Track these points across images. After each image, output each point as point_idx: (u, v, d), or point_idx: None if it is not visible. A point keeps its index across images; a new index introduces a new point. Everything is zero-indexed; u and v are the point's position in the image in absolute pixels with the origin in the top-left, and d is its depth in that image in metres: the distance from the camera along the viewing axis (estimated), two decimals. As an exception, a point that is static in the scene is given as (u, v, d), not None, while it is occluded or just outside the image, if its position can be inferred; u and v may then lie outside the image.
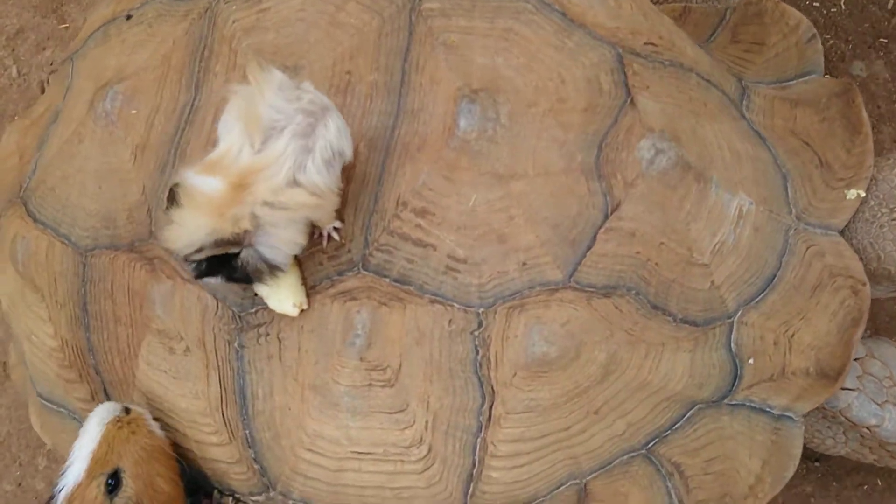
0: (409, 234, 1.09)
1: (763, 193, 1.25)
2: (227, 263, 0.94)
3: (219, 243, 0.91)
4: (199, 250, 0.92)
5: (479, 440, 1.12)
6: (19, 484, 1.94)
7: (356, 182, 1.10)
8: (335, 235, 1.09)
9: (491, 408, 1.10)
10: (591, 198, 1.10)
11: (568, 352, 1.08)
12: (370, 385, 1.10)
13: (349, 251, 1.11)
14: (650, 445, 1.25)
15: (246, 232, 0.92)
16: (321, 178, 0.97)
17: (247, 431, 1.17)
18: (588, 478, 1.23)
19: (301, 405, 1.13)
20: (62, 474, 1.14)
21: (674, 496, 1.30)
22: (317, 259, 1.10)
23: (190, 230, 0.92)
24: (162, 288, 1.15)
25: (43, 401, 1.44)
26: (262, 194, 0.93)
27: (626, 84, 1.16)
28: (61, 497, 1.11)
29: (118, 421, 1.15)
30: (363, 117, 1.12)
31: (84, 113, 1.26)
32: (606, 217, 1.10)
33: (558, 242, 1.09)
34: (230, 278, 0.97)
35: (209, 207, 0.91)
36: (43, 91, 2.17)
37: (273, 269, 0.96)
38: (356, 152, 1.09)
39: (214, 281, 0.97)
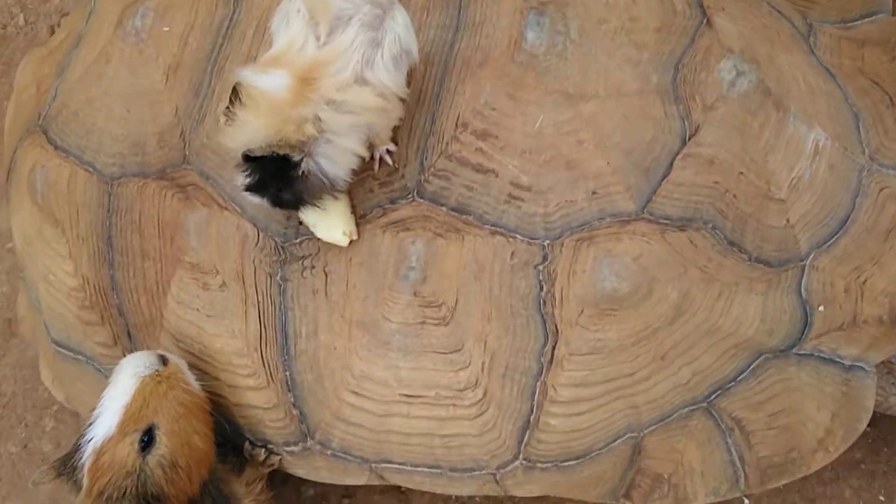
0: (468, 159, 1.00)
1: (837, 130, 1.17)
2: (280, 178, 0.86)
3: (280, 146, 0.83)
4: (256, 156, 0.83)
5: (538, 384, 1.04)
6: (25, 446, 1.86)
7: (411, 101, 1.01)
8: (388, 159, 1.00)
9: (554, 348, 1.02)
10: (667, 122, 1.01)
11: (640, 288, 1.00)
12: (423, 322, 1.02)
13: (403, 177, 1.02)
14: (712, 398, 1.17)
15: (308, 140, 0.83)
16: (389, 76, 0.88)
17: (287, 373, 1.09)
18: (646, 431, 1.15)
19: (348, 344, 1.05)
20: (90, 425, 1.05)
21: (734, 453, 1.22)
22: (367, 186, 1.02)
23: (250, 130, 0.83)
24: (197, 217, 1.06)
25: (58, 348, 1.35)
26: (328, 91, 0.84)
27: (701, 4, 1.08)
28: (90, 449, 1.03)
29: (156, 375, 1.05)
30: (420, 31, 1.02)
31: (111, 32, 1.16)
32: (684, 142, 1.01)
33: (631, 170, 1.00)
34: (277, 200, 0.88)
35: (272, 108, 0.83)
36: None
37: (332, 184, 0.88)
38: (412, 70, 1.00)
39: (259, 201, 0.89)
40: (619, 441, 1.14)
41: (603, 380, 1.05)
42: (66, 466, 1.05)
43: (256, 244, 1.05)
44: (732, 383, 1.17)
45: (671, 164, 1.01)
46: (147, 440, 1.03)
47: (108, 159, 1.15)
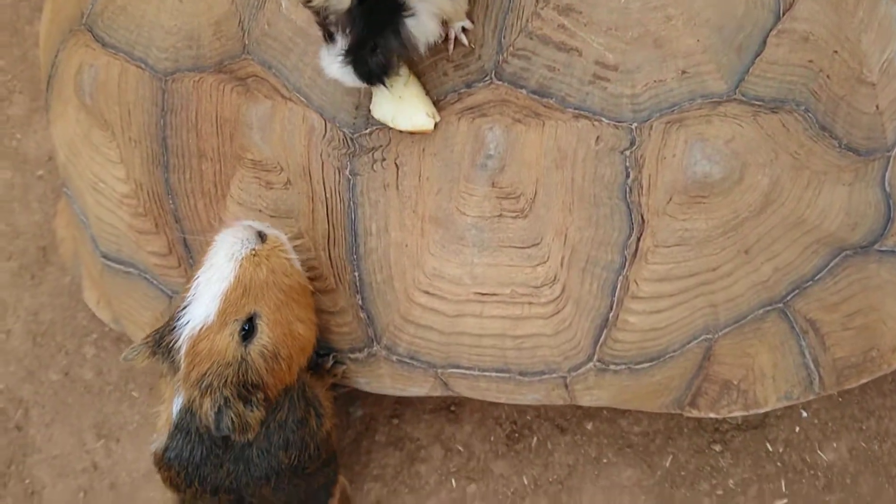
0: (550, 37, 0.94)
1: (927, 16, 1.10)
2: (381, 27, 0.80)
3: None
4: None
5: (620, 278, 1.00)
6: (66, 373, 1.85)
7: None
8: (462, 39, 0.94)
9: (639, 240, 0.97)
10: (760, -4, 0.95)
11: (732, 173, 0.95)
12: (500, 216, 0.97)
13: (479, 58, 0.96)
14: (788, 298, 1.13)
15: None
16: None
17: (356, 274, 1.05)
18: (720, 333, 1.12)
19: (420, 240, 1.01)
20: (184, 307, 0.97)
21: (808, 355, 1.19)
22: (440, 69, 0.96)
23: None
24: (259, 110, 1.01)
25: (107, 262, 1.32)
26: None
27: None
28: (185, 333, 0.96)
29: (255, 256, 0.96)
30: None
31: (158, -84, 1.10)
32: (778, 18, 0.95)
33: (722, 48, 0.94)
34: (368, 66, 0.82)
35: None
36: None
37: (414, 49, 0.82)
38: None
39: (344, 71, 0.83)
40: (693, 343, 1.11)
41: (686, 274, 1.01)
42: (160, 346, 1.00)
43: (324, 136, 1.00)
44: (810, 282, 1.13)
45: (764, 42, 0.95)
46: (248, 329, 0.97)
47: (160, 54, 1.09)
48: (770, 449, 1.49)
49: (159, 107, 1.10)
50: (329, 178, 1.02)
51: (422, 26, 0.82)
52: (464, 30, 0.94)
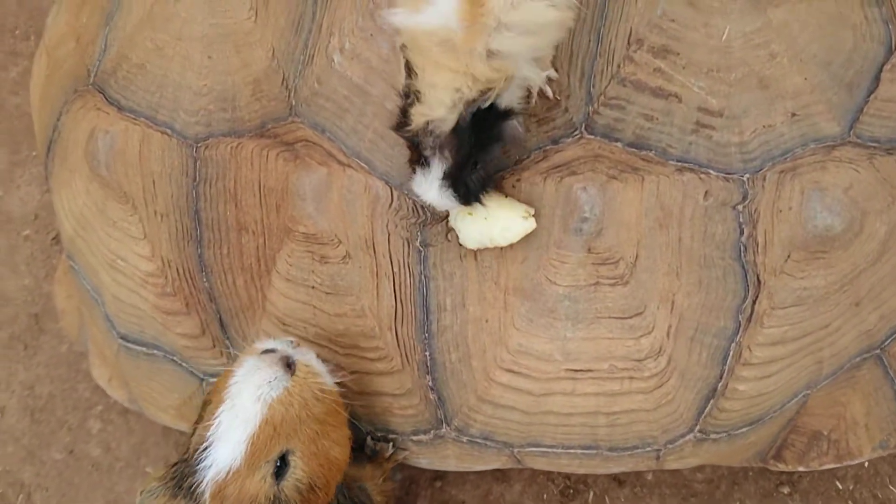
0: (645, 82, 0.84)
1: None
2: (482, 139, 0.72)
3: (480, 94, 0.69)
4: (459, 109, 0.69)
5: (732, 345, 0.90)
6: (71, 451, 1.71)
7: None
8: (547, 90, 0.84)
9: (754, 303, 0.87)
10: (868, 27, 0.86)
11: (853, 224, 0.85)
12: (597, 284, 0.87)
13: (566, 110, 0.85)
14: (886, 343, 1.04)
15: (503, 76, 0.68)
16: None
17: (426, 353, 0.93)
18: (819, 386, 1.03)
19: (503, 314, 0.89)
20: (204, 448, 0.86)
21: (903, 401, 1.11)
22: (523, 124, 0.85)
23: (441, 91, 0.69)
24: (313, 179, 0.89)
25: (126, 343, 1.18)
26: (500, 9, 0.68)
27: None
28: (210, 476, 0.85)
29: (286, 396, 0.85)
30: (572, -66, 0.86)
31: (178, -38, 0.97)
32: (890, 51, 0.86)
33: (832, 86, 0.85)
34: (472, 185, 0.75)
35: (449, 51, 0.69)
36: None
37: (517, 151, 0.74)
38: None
39: (446, 198, 0.76)
40: (794, 401, 1.01)
41: (801, 335, 0.91)
42: (181, 487, 0.88)
43: (390, 205, 0.88)
44: (908, 325, 1.04)
45: (877, 77, 0.86)
46: (280, 465, 0.86)
47: (189, 118, 0.97)
48: (840, 487, 1.41)
49: (190, 177, 0.97)
50: (396, 251, 0.90)
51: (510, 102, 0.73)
52: (548, 80, 0.83)
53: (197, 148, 0.96)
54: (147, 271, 1.06)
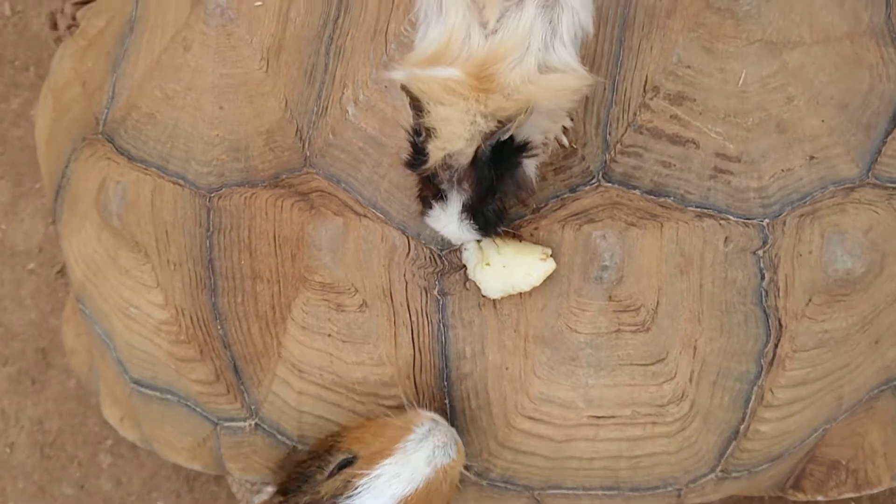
0: (662, 129, 0.84)
1: None
2: (504, 170, 0.70)
3: (498, 127, 0.67)
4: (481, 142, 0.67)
5: (755, 388, 0.89)
6: (82, 486, 1.70)
7: (584, 66, 0.84)
8: (563, 139, 0.83)
9: (776, 347, 0.87)
10: (885, 68, 0.86)
11: (874, 266, 0.85)
12: (619, 331, 0.86)
13: (583, 158, 0.85)
14: (904, 375, 1.04)
15: (525, 106, 0.67)
16: (571, 56, 0.72)
17: (446, 401, 0.93)
18: (839, 420, 1.02)
19: (524, 362, 0.89)
20: (349, 496, 0.84)
21: (922, 431, 1.10)
22: (538, 174, 0.85)
23: (457, 124, 0.66)
24: (329, 228, 0.88)
25: (140, 388, 1.17)
26: (515, 85, 0.68)
27: (897, -77, 0.92)
28: None
29: (448, 468, 0.84)
30: (585, -19, 0.85)
31: (187, 13, 0.96)
32: (908, 91, 0.86)
33: (849, 127, 0.85)
34: (479, 219, 0.74)
35: (461, 93, 0.67)
36: (55, 26, 1.84)
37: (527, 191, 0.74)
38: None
39: (465, 229, 0.74)
40: (814, 436, 1.01)
41: (822, 375, 0.91)
42: None
43: (407, 255, 0.88)
44: (925, 357, 1.04)
45: (894, 118, 0.86)
46: None
47: (201, 168, 0.96)
48: (857, 510, 1.41)
49: (204, 227, 0.96)
50: (414, 300, 0.89)
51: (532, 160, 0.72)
52: (563, 129, 0.83)
53: (210, 198, 0.96)
54: (160, 319, 1.05)
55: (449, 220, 0.75)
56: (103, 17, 1.16)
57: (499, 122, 0.68)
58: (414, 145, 0.73)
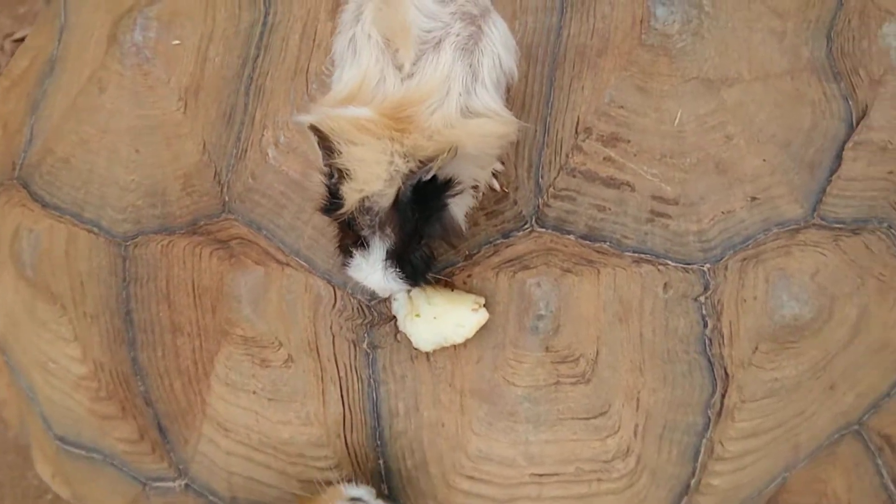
0: (596, 172, 0.80)
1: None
2: (428, 213, 0.67)
3: (419, 167, 0.63)
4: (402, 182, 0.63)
5: (704, 441, 0.84)
6: (22, 542, 1.60)
7: (514, 108, 0.79)
8: (493, 183, 0.79)
9: (723, 397, 0.82)
10: (828, 104, 0.83)
11: (822, 312, 0.81)
12: (558, 383, 0.81)
13: (515, 203, 0.81)
14: (864, 418, 1.00)
15: (446, 150, 0.63)
16: (494, 100, 0.69)
17: (380, 461, 0.87)
18: (798, 468, 0.98)
19: (460, 418, 0.83)
20: None
21: (885, 474, 1.06)
22: (470, 219, 0.80)
23: (373, 164, 0.62)
24: (249, 279, 0.83)
25: (65, 445, 1.10)
26: (436, 128, 0.64)
27: (836, -42, 0.89)
28: None
29: None
30: (514, 19, 0.81)
31: (102, 52, 0.91)
32: (852, 128, 0.83)
33: (792, 166, 0.81)
34: (405, 267, 0.69)
35: (377, 133, 0.63)
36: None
37: (454, 232, 0.69)
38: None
39: (390, 280, 0.69)
40: (772, 485, 0.96)
41: (775, 425, 0.86)
42: None
43: (333, 306, 0.82)
44: (885, 398, 1.00)
45: (839, 156, 0.82)
46: None
47: (117, 214, 0.90)
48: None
49: (120, 276, 0.91)
50: (342, 354, 0.84)
51: (461, 201, 0.68)
52: (494, 173, 0.78)
53: (126, 246, 0.90)
54: (79, 374, 0.98)
55: (372, 270, 0.69)
56: (27, 56, 1.11)
57: (420, 161, 0.63)
58: (328, 188, 0.68)
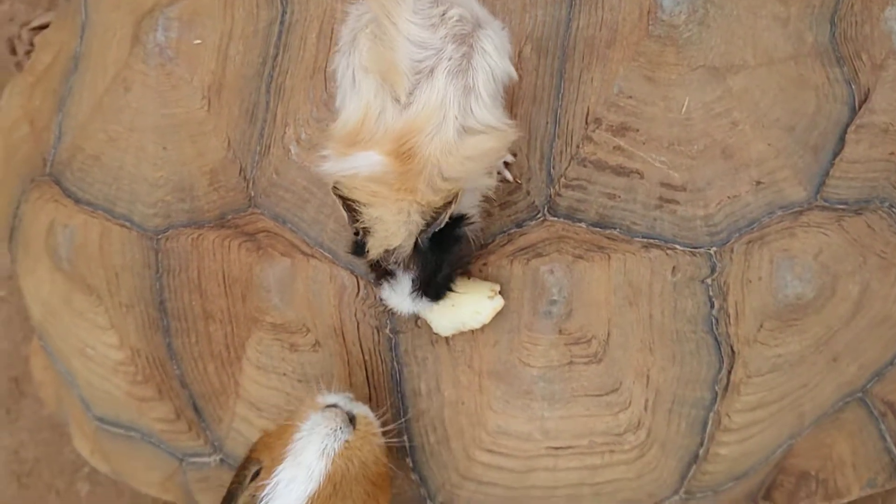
0: (605, 161, 0.83)
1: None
2: (442, 251, 0.73)
3: (432, 218, 0.69)
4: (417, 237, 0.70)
5: (711, 414, 0.89)
6: (61, 515, 1.68)
7: (525, 100, 0.83)
8: (506, 174, 0.82)
9: (730, 373, 0.86)
10: (831, 88, 0.85)
11: (824, 290, 0.84)
12: (571, 363, 0.85)
13: (528, 193, 0.84)
14: (868, 386, 1.04)
15: (453, 196, 0.68)
16: (492, 114, 0.72)
17: (405, 437, 0.92)
18: (804, 434, 1.02)
19: (479, 397, 0.88)
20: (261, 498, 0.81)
21: (888, 438, 1.10)
22: (483, 211, 0.84)
23: (391, 224, 0.69)
24: (276, 270, 0.87)
25: (104, 425, 1.16)
26: (437, 156, 0.69)
27: (840, -60, 0.90)
28: None
29: (347, 448, 0.81)
30: (524, 12, 0.83)
31: (126, 52, 0.94)
32: (854, 111, 0.85)
33: (796, 150, 0.84)
34: (438, 286, 0.76)
35: (389, 188, 0.68)
36: (13, 52, 1.82)
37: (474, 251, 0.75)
38: (521, 59, 0.82)
39: (417, 304, 0.77)
40: (778, 451, 1.01)
41: (779, 398, 0.90)
42: None
43: (357, 294, 0.87)
44: (889, 367, 1.04)
45: (842, 139, 0.85)
46: None
47: (147, 210, 0.95)
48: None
49: (153, 268, 0.95)
50: (367, 339, 0.88)
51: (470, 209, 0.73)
52: (506, 164, 0.82)
53: (157, 240, 0.94)
54: (117, 360, 1.04)
55: (401, 299, 0.76)
56: (49, 51, 1.14)
57: (433, 213, 0.69)
58: (356, 240, 0.75)
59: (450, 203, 0.68)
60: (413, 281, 0.74)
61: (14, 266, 1.20)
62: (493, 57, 0.72)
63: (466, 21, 0.71)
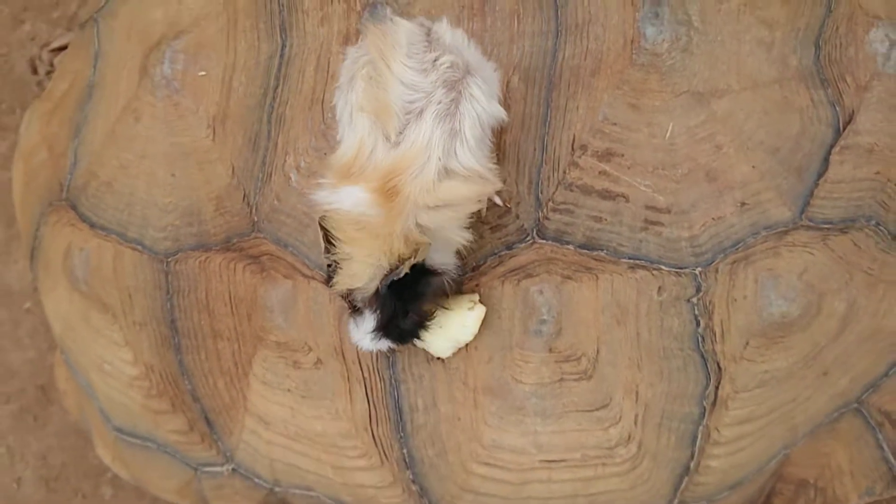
0: (591, 186, 0.86)
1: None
2: (408, 298, 0.77)
3: (396, 265, 0.74)
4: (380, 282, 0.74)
5: (700, 428, 0.91)
6: (86, 518, 1.73)
7: (514, 128, 0.86)
8: (496, 199, 0.86)
9: (717, 388, 0.89)
10: (815, 110, 0.87)
11: (810, 308, 0.86)
12: (562, 380, 0.88)
13: (517, 217, 0.87)
14: (863, 396, 1.05)
15: (420, 248, 0.72)
16: (475, 159, 0.76)
17: (404, 451, 0.96)
18: (798, 444, 1.04)
19: (474, 413, 0.91)
20: None
21: (885, 448, 1.11)
22: (476, 232, 0.87)
23: (358, 265, 0.73)
24: (279, 292, 0.92)
25: (122, 435, 1.21)
26: (415, 196, 0.73)
27: (825, -37, 0.92)
28: None
29: None
30: (511, 43, 0.86)
31: (136, 84, 0.99)
32: (838, 132, 0.87)
33: (781, 172, 0.86)
34: (407, 329, 0.81)
35: (368, 231, 0.73)
36: (35, 71, 1.88)
37: (449, 277, 0.78)
38: (509, 88, 0.85)
39: (379, 344, 0.81)
40: (773, 462, 1.03)
41: (768, 411, 0.93)
42: None
43: (355, 315, 0.91)
44: (884, 378, 1.05)
45: (826, 160, 0.87)
46: None
47: (157, 234, 0.99)
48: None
49: (163, 290, 1.00)
50: (365, 357, 0.92)
51: (444, 254, 0.77)
52: (497, 191, 0.85)
53: (167, 262, 0.99)
54: (132, 375, 1.09)
55: (361, 336, 0.81)
56: (66, 79, 1.19)
57: (398, 260, 0.73)
58: (327, 272, 0.79)
59: (411, 256, 0.72)
60: (376, 324, 0.78)
61: (36, 283, 1.26)
62: (481, 102, 0.75)
63: (457, 68, 0.75)
